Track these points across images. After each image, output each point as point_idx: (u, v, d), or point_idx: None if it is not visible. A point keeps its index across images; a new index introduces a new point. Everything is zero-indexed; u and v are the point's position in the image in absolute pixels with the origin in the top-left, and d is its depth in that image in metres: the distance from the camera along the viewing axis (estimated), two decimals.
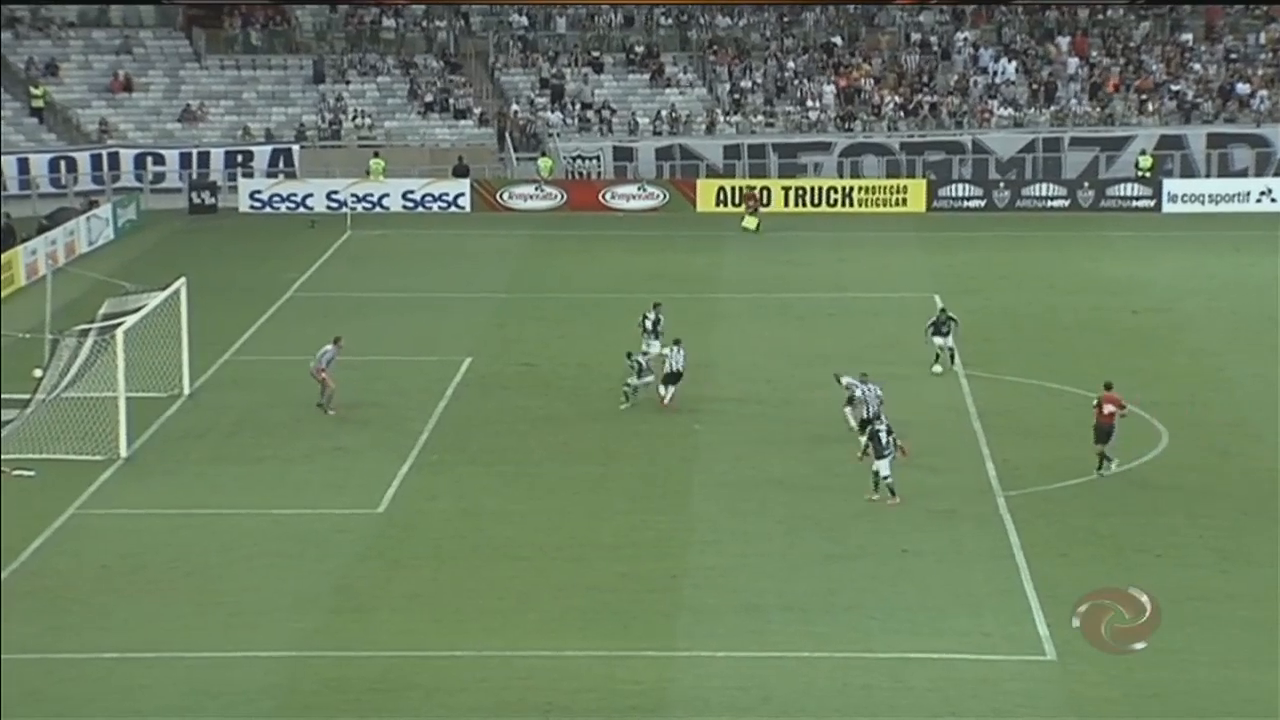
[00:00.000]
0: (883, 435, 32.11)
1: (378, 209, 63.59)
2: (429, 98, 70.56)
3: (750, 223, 59.59)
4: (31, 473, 33.89)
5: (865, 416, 34.02)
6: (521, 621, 26.93)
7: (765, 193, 62.24)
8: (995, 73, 71.28)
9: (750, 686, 24.88)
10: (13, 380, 38.27)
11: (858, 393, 35.04)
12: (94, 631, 26.52)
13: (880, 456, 32.09)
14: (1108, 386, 34.26)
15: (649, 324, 40.47)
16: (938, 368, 40.64)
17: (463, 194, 64.15)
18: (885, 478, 32.06)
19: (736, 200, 61.93)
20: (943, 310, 41.93)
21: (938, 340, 40.86)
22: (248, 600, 27.78)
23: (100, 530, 31.18)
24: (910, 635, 26.44)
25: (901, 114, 69.59)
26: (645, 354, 39.12)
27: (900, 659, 25.67)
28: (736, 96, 70.84)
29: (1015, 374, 39.21)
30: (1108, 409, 33.79)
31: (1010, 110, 69.54)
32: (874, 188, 64.20)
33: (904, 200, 63.57)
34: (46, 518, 31.35)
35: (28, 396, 36.21)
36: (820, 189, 64.17)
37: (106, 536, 30.84)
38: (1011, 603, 27.52)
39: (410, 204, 64.05)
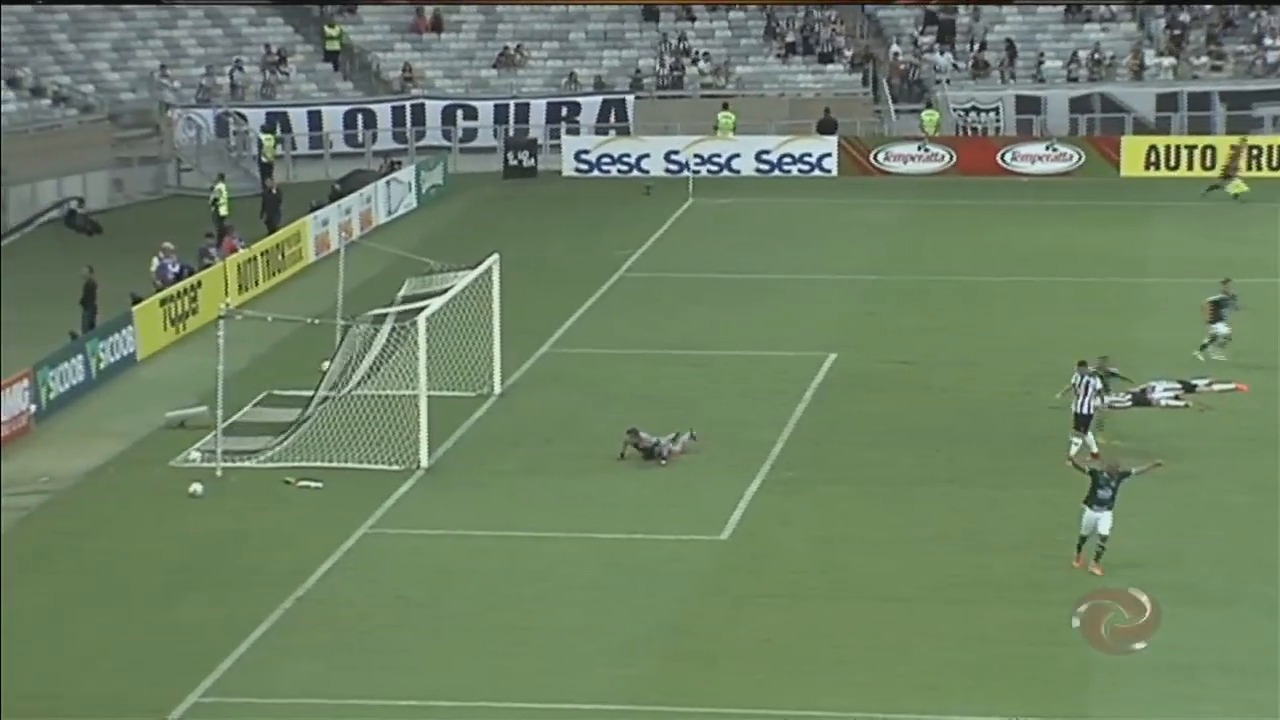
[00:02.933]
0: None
1: (725, 172, 64.14)
2: (790, 37, 70.90)
3: (1237, 187, 58.67)
4: (319, 484, 35.18)
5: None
6: (892, 677, 26.94)
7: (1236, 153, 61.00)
8: None
9: None
10: (298, 375, 39.77)
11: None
12: (386, 673, 27.39)
13: (1106, 506, 30.22)
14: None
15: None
16: (1199, 354, 41.02)
17: (829, 154, 64.31)
18: (1103, 539, 30.27)
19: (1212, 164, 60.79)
20: (1226, 281, 41.95)
21: (1218, 328, 41.25)
22: (566, 641, 28.36)
23: (396, 553, 32.20)
24: None
25: None
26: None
27: None
28: (1174, 32, 69.34)
29: None
30: None
31: None
32: None
33: None
34: (336, 537, 32.47)
35: (314, 394, 37.57)
36: None
37: (403, 560, 31.84)
38: None
39: (765, 166, 64.46)
